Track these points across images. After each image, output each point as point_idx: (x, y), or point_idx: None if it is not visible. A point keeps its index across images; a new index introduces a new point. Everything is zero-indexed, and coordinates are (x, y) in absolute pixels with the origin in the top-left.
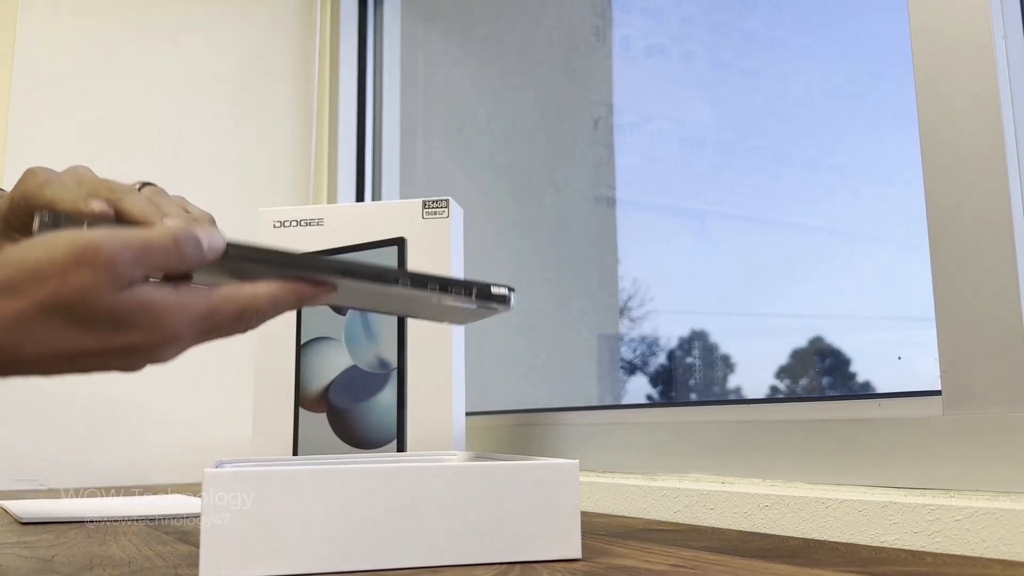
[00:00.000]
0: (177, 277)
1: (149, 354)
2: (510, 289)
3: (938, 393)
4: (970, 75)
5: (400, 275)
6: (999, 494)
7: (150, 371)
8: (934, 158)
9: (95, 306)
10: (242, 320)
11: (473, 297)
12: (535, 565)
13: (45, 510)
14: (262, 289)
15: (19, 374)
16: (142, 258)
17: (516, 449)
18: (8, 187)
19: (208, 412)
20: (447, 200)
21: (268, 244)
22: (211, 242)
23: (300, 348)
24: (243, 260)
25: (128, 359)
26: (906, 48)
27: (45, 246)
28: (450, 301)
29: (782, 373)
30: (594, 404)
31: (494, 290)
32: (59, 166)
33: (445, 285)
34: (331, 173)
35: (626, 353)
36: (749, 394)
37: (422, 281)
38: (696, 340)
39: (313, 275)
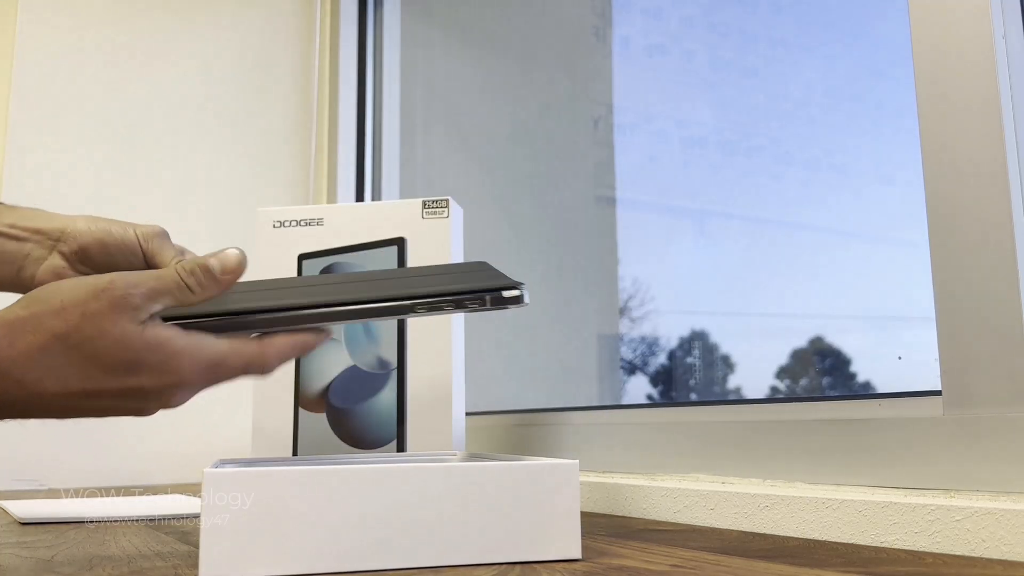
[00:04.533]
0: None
1: (159, 397)
2: (520, 286)
3: (938, 393)
4: (970, 75)
5: (415, 307)
6: (999, 494)
7: None
8: (934, 158)
9: (111, 337)
10: (248, 371)
11: (488, 305)
12: (535, 565)
13: (45, 510)
14: (269, 347)
15: (39, 414)
16: (157, 290)
17: (516, 449)
18: (7, 191)
19: (208, 412)
20: (447, 200)
21: (282, 297)
22: (225, 264)
23: None
24: (261, 324)
25: (140, 402)
26: (906, 48)
27: (72, 288)
28: (464, 313)
29: (782, 373)
30: (594, 404)
31: (506, 294)
32: (58, 165)
33: (460, 302)
34: (331, 173)
35: (626, 353)
36: (749, 394)
37: (437, 306)
38: (696, 340)
39: (328, 325)
